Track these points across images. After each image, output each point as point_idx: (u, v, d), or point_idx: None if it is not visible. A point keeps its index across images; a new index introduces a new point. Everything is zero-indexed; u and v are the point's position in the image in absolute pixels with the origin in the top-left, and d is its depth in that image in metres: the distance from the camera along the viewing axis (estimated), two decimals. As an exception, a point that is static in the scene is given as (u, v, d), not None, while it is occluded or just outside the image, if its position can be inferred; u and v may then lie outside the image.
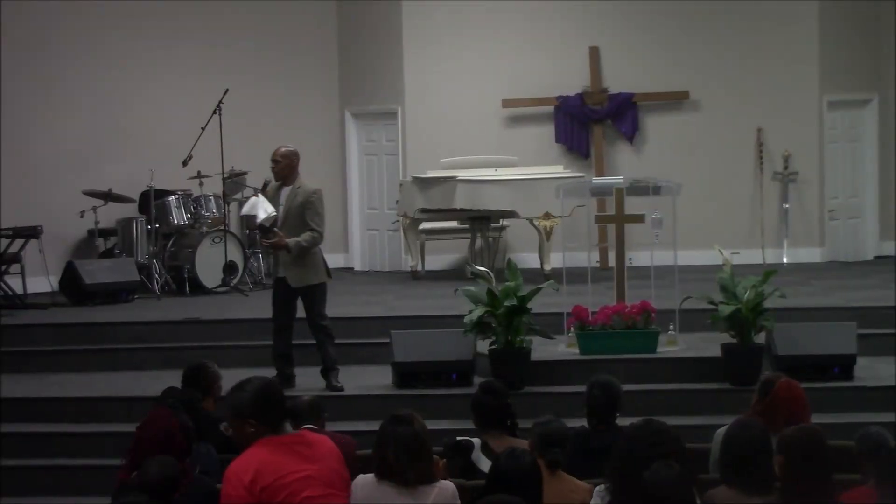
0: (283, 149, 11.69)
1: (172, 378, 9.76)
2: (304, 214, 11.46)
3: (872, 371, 11.44)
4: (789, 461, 5.95)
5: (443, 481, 6.39)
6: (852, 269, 16.64)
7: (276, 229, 11.46)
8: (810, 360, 11.12)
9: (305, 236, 11.41)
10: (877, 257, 17.73)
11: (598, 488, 6.59)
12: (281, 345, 11.66)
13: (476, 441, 7.73)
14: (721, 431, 7.98)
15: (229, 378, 10.42)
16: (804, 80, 17.47)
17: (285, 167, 11.60)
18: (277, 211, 11.53)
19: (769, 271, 11.44)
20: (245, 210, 12.42)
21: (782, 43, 17.48)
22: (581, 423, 8.28)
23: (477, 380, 10.95)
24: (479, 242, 16.35)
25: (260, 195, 11.86)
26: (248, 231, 16.13)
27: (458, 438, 7.78)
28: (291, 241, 11.37)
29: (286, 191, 11.57)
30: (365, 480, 6.41)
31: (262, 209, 11.55)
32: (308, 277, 11.61)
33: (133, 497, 6.44)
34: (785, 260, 17.11)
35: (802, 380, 8.36)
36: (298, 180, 11.62)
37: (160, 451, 6.85)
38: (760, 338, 11.27)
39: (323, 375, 11.55)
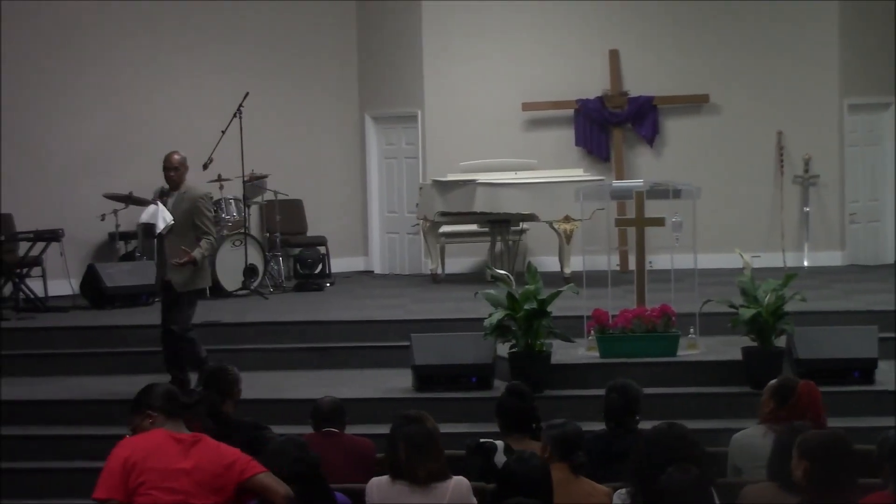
0: (177, 156, 11.65)
1: (192, 381, 9.79)
2: (191, 219, 11.42)
3: (893, 375, 11.39)
4: (817, 466, 5.92)
5: (457, 477, 6.43)
6: (873, 273, 16.59)
7: (184, 247, 11.32)
8: (831, 363, 11.09)
9: (204, 245, 11.41)
10: (898, 261, 17.69)
11: (618, 492, 6.58)
12: (168, 350, 11.57)
13: (499, 443, 7.73)
14: (738, 436, 7.99)
15: (249, 381, 10.49)
16: (824, 84, 17.44)
17: (183, 174, 11.59)
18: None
19: (790, 275, 11.43)
20: (144, 218, 12.01)
21: (803, 46, 17.45)
22: (601, 426, 8.28)
23: (497, 383, 10.95)
24: (498, 246, 16.35)
25: (159, 203, 11.65)
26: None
27: (482, 440, 7.78)
28: (196, 253, 11.32)
29: (172, 196, 11.55)
30: (380, 482, 6.48)
31: (162, 218, 11.48)
32: (196, 282, 11.59)
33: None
34: (805, 263, 17.07)
35: (823, 383, 8.34)
36: (185, 185, 11.59)
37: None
38: (781, 341, 11.25)
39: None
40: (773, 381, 8.20)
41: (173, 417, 6.48)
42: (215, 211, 16.11)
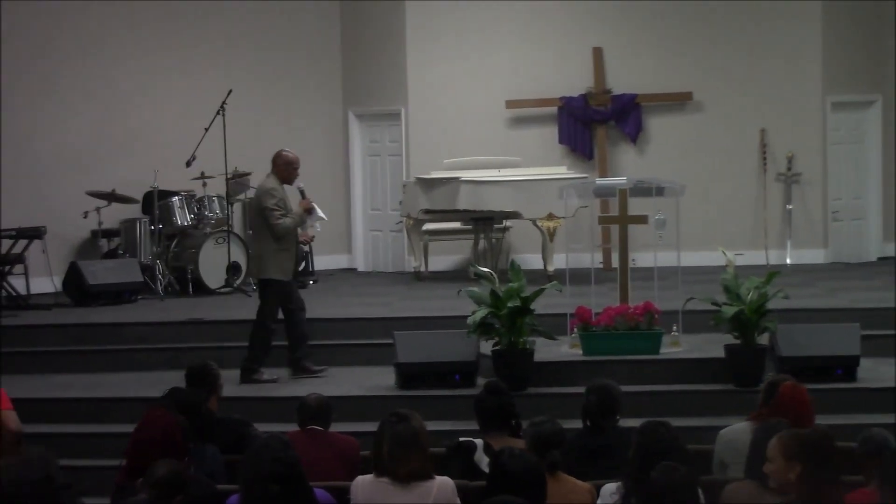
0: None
1: (175, 379, 9.79)
2: None
3: (875, 373, 11.42)
4: (807, 465, 5.92)
5: (441, 478, 6.44)
6: (856, 271, 16.63)
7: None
8: (813, 361, 11.10)
9: None
10: (880, 258, 17.71)
11: (606, 488, 6.60)
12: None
13: (478, 442, 7.74)
14: (724, 432, 8.02)
15: (234, 379, 10.50)
16: (808, 82, 17.47)
17: None
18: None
19: (772, 272, 11.43)
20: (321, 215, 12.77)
21: (786, 44, 17.48)
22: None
23: (480, 381, 10.95)
24: (482, 243, 16.35)
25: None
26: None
27: (461, 439, 7.79)
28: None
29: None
30: (364, 480, 6.52)
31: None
32: None
33: (137, 498, 6.45)
34: (788, 261, 17.10)
35: (805, 381, 8.37)
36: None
37: (159, 452, 6.84)
38: (764, 339, 11.27)
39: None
40: (769, 378, 8.24)
41: None
42: (198, 209, 16.11)
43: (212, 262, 15.71)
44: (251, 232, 12.37)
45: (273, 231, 11.94)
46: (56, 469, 5.44)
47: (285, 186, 12.26)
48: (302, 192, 12.47)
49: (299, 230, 12.64)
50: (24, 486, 5.23)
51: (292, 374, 12.11)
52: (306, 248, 16.16)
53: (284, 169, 12.27)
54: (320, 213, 12.62)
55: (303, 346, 12.17)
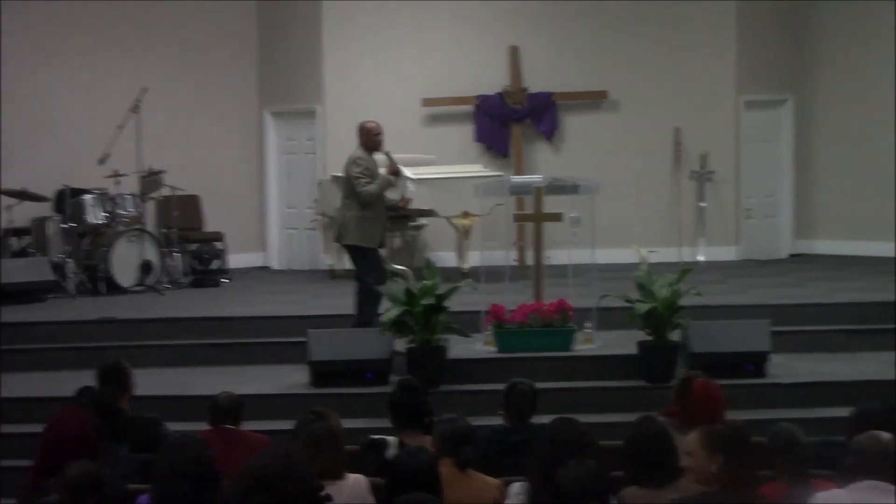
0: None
1: (88, 378, 9.68)
2: None
3: (785, 368, 11.56)
4: (729, 457, 5.95)
5: (354, 475, 6.43)
6: (767, 268, 16.80)
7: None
8: (725, 357, 11.18)
9: None
10: (791, 255, 17.92)
11: (514, 486, 6.60)
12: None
13: (392, 439, 7.72)
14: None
15: (146, 377, 10.40)
16: (721, 81, 17.63)
17: None
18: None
19: (685, 269, 11.51)
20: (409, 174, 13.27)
21: (700, 43, 17.63)
22: (497, 421, 8.31)
23: (394, 379, 10.95)
24: (397, 241, 16.34)
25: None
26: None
27: (373, 437, 7.77)
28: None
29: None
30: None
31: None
32: None
33: (48, 499, 6.37)
34: (701, 258, 17.23)
35: (717, 377, 8.40)
36: None
37: (72, 452, 6.76)
38: (676, 335, 11.35)
39: None
40: (681, 375, 8.29)
41: None
42: (111, 207, 15.95)
43: (124, 261, 15.57)
44: (343, 200, 12.90)
45: (360, 198, 12.48)
46: None
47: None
48: (389, 157, 12.75)
49: (397, 196, 13.23)
50: None
51: None
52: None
53: (367, 137, 12.74)
54: (409, 174, 13.04)
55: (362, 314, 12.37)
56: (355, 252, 12.65)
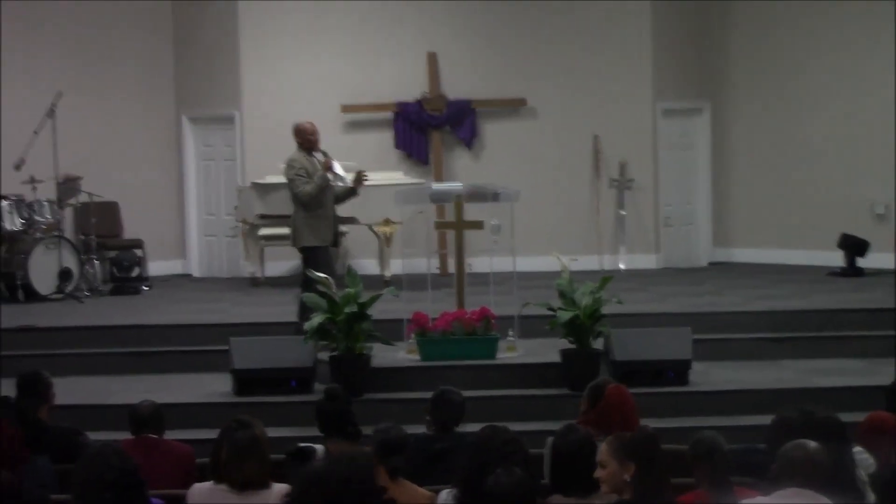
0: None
1: (6, 387, 9.58)
2: None
3: (707, 376, 11.65)
4: (641, 465, 5.99)
5: (279, 485, 6.42)
6: (687, 276, 16.90)
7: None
8: (646, 365, 11.26)
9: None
10: (710, 263, 18.05)
11: (443, 494, 6.61)
12: None
13: (319, 448, 7.71)
14: (553, 438, 8.08)
15: (65, 386, 10.29)
16: (638, 89, 17.73)
17: None
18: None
19: (606, 277, 11.57)
20: (340, 171, 13.03)
21: (617, 53, 17.72)
22: (421, 429, 8.31)
23: (318, 387, 10.92)
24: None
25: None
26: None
27: (300, 445, 7.75)
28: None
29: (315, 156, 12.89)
30: (201, 487, 6.49)
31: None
32: None
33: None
34: (622, 266, 17.34)
35: (639, 385, 8.49)
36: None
37: (-6, 462, 6.69)
38: (599, 343, 11.40)
39: None
40: (591, 383, 8.33)
41: None
42: (28, 213, 15.75)
43: (43, 268, 15.41)
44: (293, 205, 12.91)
45: (299, 199, 12.61)
46: None
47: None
48: (326, 156, 12.83)
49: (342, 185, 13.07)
50: None
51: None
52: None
53: (302, 138, 12.91)
54: (339, 169, 12.92)
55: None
56: (307, 253, 12.63)
